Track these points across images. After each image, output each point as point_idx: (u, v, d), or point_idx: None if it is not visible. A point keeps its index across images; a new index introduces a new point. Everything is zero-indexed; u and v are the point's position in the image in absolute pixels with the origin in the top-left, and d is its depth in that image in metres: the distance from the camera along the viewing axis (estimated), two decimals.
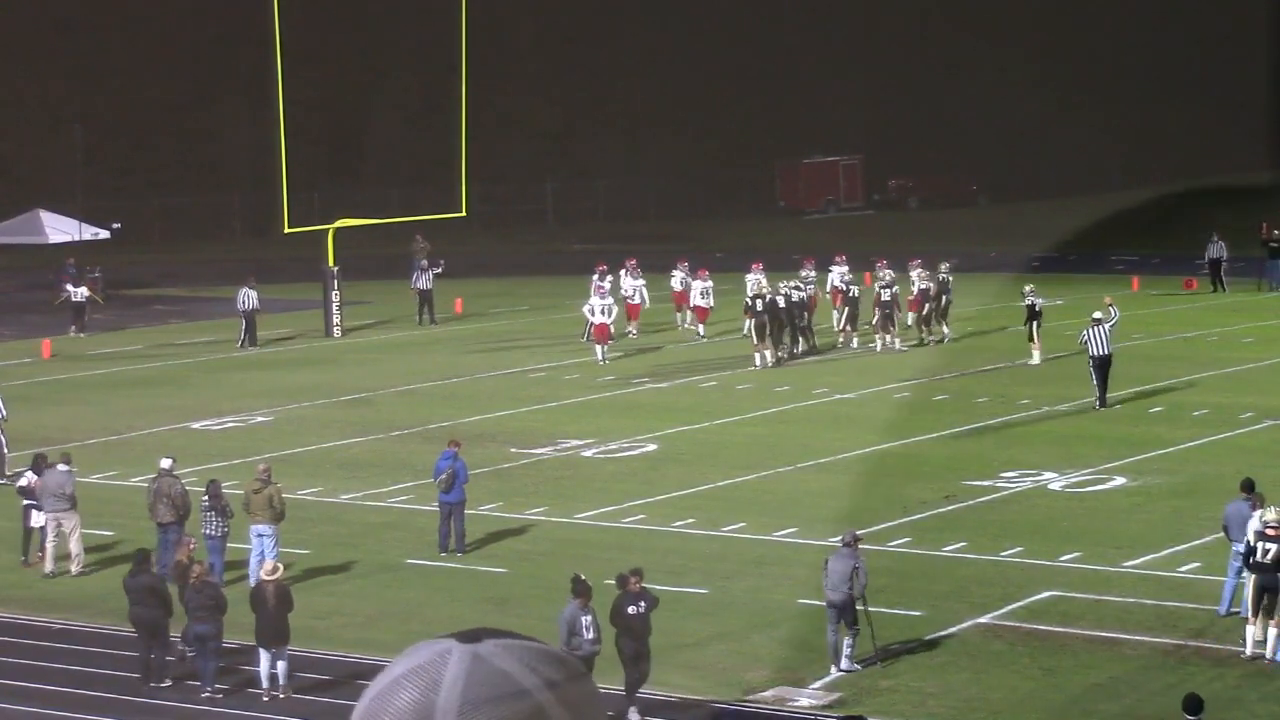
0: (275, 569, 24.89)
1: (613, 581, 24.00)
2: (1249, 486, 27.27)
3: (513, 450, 39.30)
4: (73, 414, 44.83)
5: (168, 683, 24.88)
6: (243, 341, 56.14)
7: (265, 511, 28.90)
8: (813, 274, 55.50)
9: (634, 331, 55.80)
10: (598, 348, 51.04)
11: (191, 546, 26.50)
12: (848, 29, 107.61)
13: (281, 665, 24.38)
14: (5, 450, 37.79)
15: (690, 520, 32.84)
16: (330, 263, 59.12)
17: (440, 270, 63.33)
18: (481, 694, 2.79)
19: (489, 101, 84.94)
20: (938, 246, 74.02)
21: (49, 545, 30.66)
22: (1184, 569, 28.74)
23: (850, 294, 53.29)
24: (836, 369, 49.40)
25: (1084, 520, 32.25)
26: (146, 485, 31.10)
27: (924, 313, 52.68)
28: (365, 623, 27.30)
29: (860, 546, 25.32)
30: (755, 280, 52.84)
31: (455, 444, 31.70)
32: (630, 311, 56.08)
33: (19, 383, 48.30)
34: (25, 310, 67.64)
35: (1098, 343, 42.25)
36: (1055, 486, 34.96)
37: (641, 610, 23.12)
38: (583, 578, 23.27)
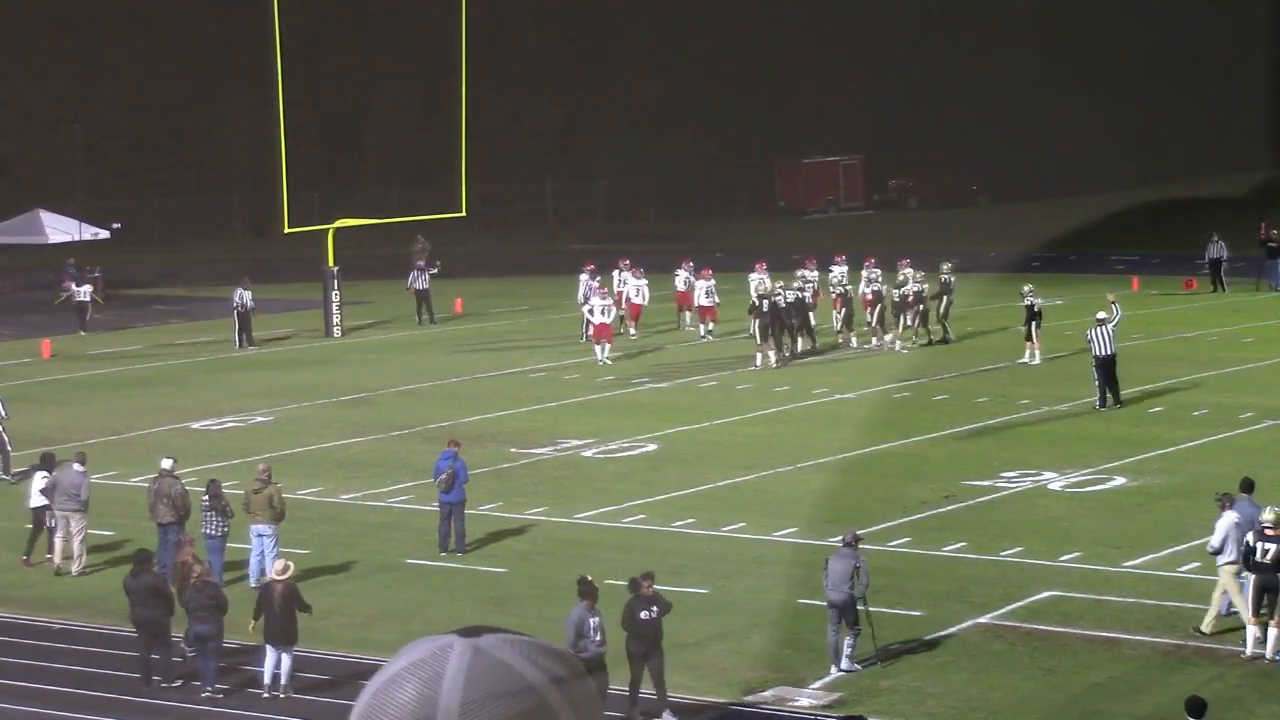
0: (286, 568, 24.89)
1: (615, 582, 23.98)
2: (1249, 486, 27.28)
3: (513, 450, 39.30)
4: (73, 414, 44.84)
5: (178, 683, 24.88)
6: (239, 342, 56.17)
7: (265, 511, 28.91)
8: (814, 274, 55.48)
9: (634, 332, 55.66)
10: (598, 348, 51.02)
11: (192, 545, 26.50)
12: (848, 29, 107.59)
13: (285, 665, 24.39)
14: (9, 449, 37.78)
15: (690, 520, 32.84)
16: (330, 263, 59.12)
17: (436, 271, 63.33)
18: (484, 688, 2.77)
19: (489, 101, 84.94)
20: (938, 246, 74.04)
21: (58, 543, 30.66)
22: (1184, 569, 28.73)
23: (848, 294, 53.32)
24: (836, 369, 49.40)
25: (1084, 520, 32.25)
26: (147, 485, 31.09)
27: (922, 313, 52.63)
28: (365, 623, 27.30)
29: (860, 546, 25.32)
30: (759, 280, 52.89)
31: (455, 444, 31.70)
32: (632, 311, 55.95)
33: (19, 383, 48.32)
34: (25, 310, 67.67)
35: (1101, 343, 42.24)
36: (1055, 486, 34.96)
37: (653, 615, 23.04)
38: (589, 579, 23.19)
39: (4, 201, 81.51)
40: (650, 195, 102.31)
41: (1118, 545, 30.44)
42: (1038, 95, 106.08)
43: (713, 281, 55.54)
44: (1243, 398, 43.30)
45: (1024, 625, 26.46)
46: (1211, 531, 26.06)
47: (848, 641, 24.49)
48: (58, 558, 30.65)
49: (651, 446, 39.65)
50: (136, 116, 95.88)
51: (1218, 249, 64.18)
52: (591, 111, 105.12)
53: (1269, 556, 24.67)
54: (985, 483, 35.20)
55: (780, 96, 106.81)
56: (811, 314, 52.34)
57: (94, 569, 30.66)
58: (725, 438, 40.45)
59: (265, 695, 24.36)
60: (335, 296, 58.75)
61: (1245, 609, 25.26)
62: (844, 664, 24.47)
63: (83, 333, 59.98)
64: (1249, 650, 24.68)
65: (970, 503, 33.77)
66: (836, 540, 26.29)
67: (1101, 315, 42.99)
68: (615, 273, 56.96)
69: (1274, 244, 64.32)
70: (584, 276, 56.34)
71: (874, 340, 52.71)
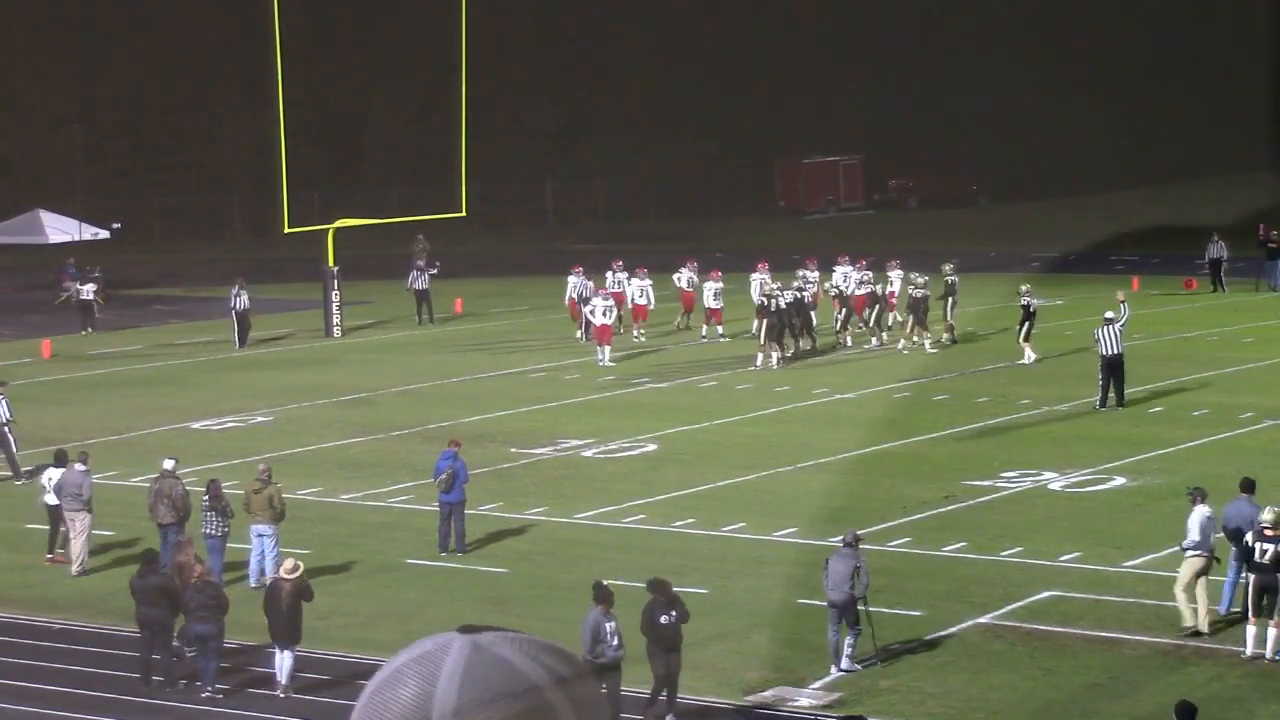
0: (296, 567, 24.90)
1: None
2: (1249, 486, 27.29)
3: (513, 450, 39.30)
4: (73, 414, 44.85)
5: (183, 683, 24.89)
6: (239, 342, 56.22)
7: (265, 512, 28.92)
8: (814, 274, 55.46)
9: (640, 335, 55.23)
10: (598, 348, 50.98)
11: (191, 546, 26.51)
12: (848, 29, 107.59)
13: (287, 664, 24.41)
14: (15, 450, 37.80)
15: (690, 520, 32.84)
16: (330, 263, 59.12)
17: (435, 271, 63.33)
18: (482, 686, 2.74)
19: (489, 101, 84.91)
20: (938, 246, 74.06)
21: (82, 543, 30.68)
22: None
23: (845, 294, 53.33)
24: (836, 369, 49.40)
25: (1084, 520, 32.25)
26: (148, 486, 31.10)
27: (921, 314, 52.63)
28: (365, 623, 27.30)
29: (861, 547, 25.31)
30: (762, 280, 52.91)
31: (455, 444, 31.70)
32: (637, 313, 55.59)
33: (19, 383, 48.22)
34: (25, 310, 67.69)
35: (1109, 342, 42.24)
36: (1055, 486, 34.96)
37: (673, 620, 22.95)
38: (605, 583, 23.09)
39: (4, 201, 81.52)
40: (650, 195, 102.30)
41: (1118, 545, 30.44)
42: (1038, 95, 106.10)
43: (721, 284, 55.39)
44: (1243, 398, 43.31)
45: (1024, 625, 26.46)
46: (1205, 530, 26.11)
47: (848, 641, 24.49)
48: (73, 560, 30.67)
49: (651, 446, 39.65)
50: (136, 116, 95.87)
51: (1218, 249, 64.20)
52: (591, 111, 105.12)
53: (1268, 557, 24.68)
54: (985, 483, 35.20)
55: (780, 96, 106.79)
56: (812, 314, 52.34)
57: (94, 569, 30.64)
58: (725, 438, 40.45)
59: (280, 693, 24.43)
60: (335, 296, 58.75)
61: (1184, 600, 25.62)
62: (844, 664, 24.48)
63: (90, 331, 60.07)
64: (1249, 650, 24.69)
65: (970, 503, 33.78)
66: (836, 540, 26.29)
67: (1109, 315, 43.00)
68: (609, 274, 56.80)
69: (1274, 245, 64.34)
70: (572, 278, 56.40)
71: (872, 340, 52.71)
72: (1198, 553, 25.86)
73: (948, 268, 53.70)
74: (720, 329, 55.04)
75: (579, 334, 55.50)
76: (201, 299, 68.98)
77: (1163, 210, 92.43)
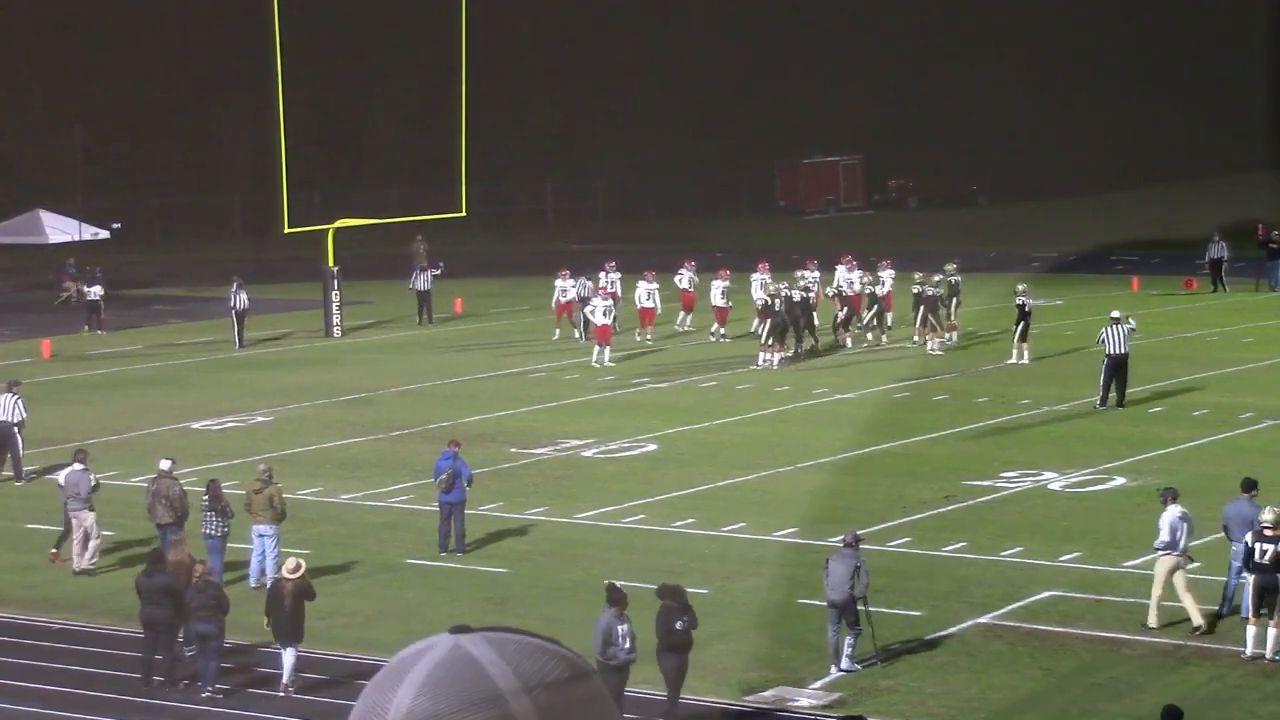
0: (298, 567, 24.91)
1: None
2: (1250, 486, 27.29)
3: (513, 450, 39.29)
4: (73, 414, 44.85)
5: (184, 683, 24.90)
6: (238, 342, 56.29)
7: (266, 512, 28.92)
8: (814, 274, 55.42)
9: (649, 337, 54.98)
10: (596, 349, 50.94)
11: (185, 545, 26.53)
12: (848, 29, 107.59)
13: (290, 661, 24.43)
14: (21, 452, 37.79)
15: (690, 520, 32.84)
16: (330, 263, 59.12)
17: (440, 272, 63.33)
18: (441, 692, 2.65)
19: (489, 101, 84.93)
20: (938, 246, 74.08)
21: (75, 544, 30.65)
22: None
23: (845, 294, 53.33)
24: (836, 369, 49.39)
25: (1084, 520, 32.25)
26: (145, 486, 31.10)
27: (935, 313, 52.61)
28: (365, 623, 27.30)
29: (861, 547, 25.31)
30: (763, 280, 52.90)
31: (455, 444, 31.70)
32: (644, 316, 55.35)
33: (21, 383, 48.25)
34: (25, 310, 67.69)
35: (1115, 342, 42.24)
36: (1055, 486, 34.96)
37: (686, 625, 22.86)
38: (618, 586, 22.99)
39: (4, 201, 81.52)
40: (650, 195, 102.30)
41: (1118, 545, 30.43)
42: (1038, 95, 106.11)
43: (729, 283, 55.29)
44: (1243, 398, 43.31)
45: (1024, 625, 26.45)
46: (1174, 529, 26.19)
47: (848, 641, 24.48)
48: (74, 559, 30.65)
49: (651, 446, 39.65)
50: (136, 116, 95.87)
51: (1219, 249, 64.20)
52: (591, 111, 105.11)
53: (1268, 557, 24.68)
54: (985, 483, 35.20)
55: (780, 96, 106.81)
56: (814, 314, 52.35)
57: (93, 569, 30.63)
58: (725, 438, 40.45)
59: (281, 693, 24.46)
60: (335, 296, 58.75)
61: (1155, 601, 25.80)
62: (844, 664, 24.47)
63: (100, 331, 60.10)
64: (1249, 650, 24.69)
65: (970, 503, 33.77)
66: (836, 540, 26.29)
67: (1116, 314, 43.06)
68: (602, 274, 56.69)
69: (1275, 245, 64.33)
70: (559, 281, 56.32)
71: (869, 338, 52.67)
72: (1168, 552, 25.99)
73: (950, 268, 53.67)
74: (723, 330, 54.93)
75: (559, 334, 55.57)
76: (202, 299, 68.98)
77: (1163, 209, 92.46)
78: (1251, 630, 24.80)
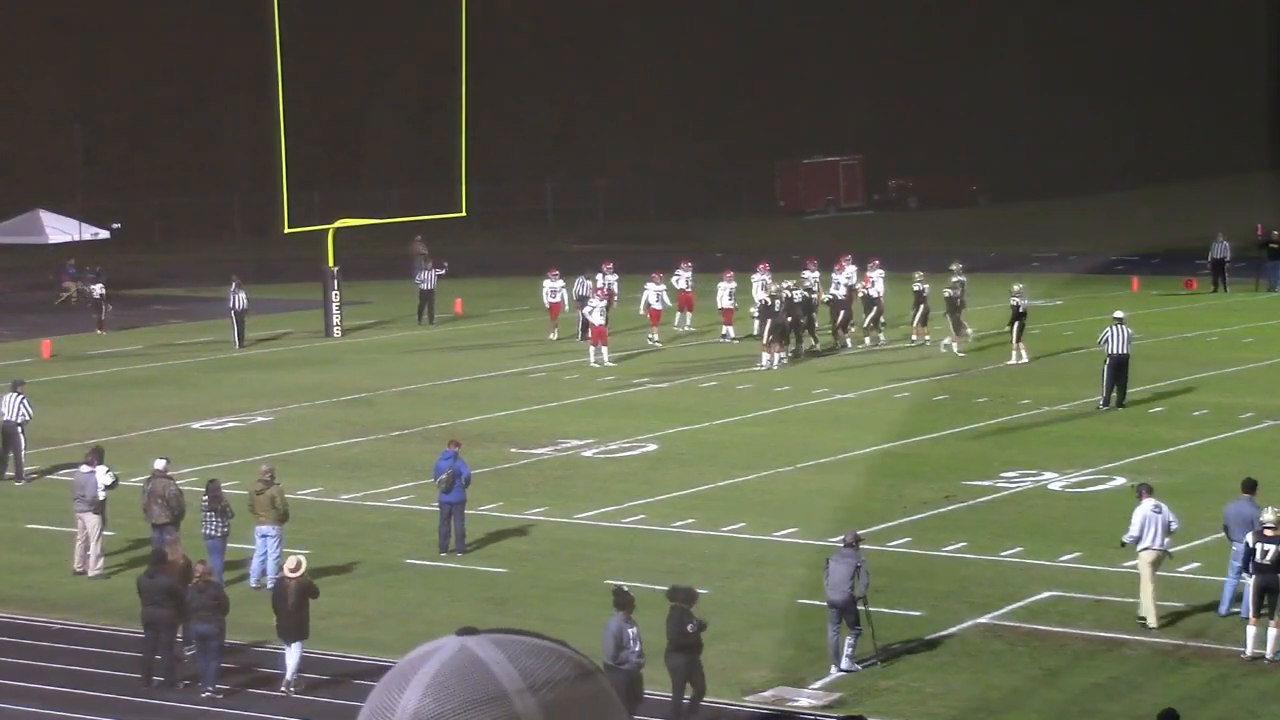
0: (298, 565, 24.93)
1: (613, 582, 23.90)
2: (1250, 486, 27.30)
3: (513, 450, 39.29)
4: (73, 414, 44.85)
5: (184, 684, 24.90)
6: (238, 342, 56.34)
7: (269, 512, 28.92)
8: (815, 275, 55.39)
9: (657, 338, 54.73)
10: (592, 349, 50.89)
11: (179, 544, 26.54)
12: (849, 29, 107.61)
13: (294, 659, 24.46)
14: (22, 453, 37.79)
15: (690, 520, 32.83)
16: (330, 263, 59.12)
17: (444, 272, 63.28)
18: (447, 692, 2.68)
19: (489, 101, 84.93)
20: (938, 246, 74.10)
21: (77, 546, 30.64)
22: (1184, 569, 28.72)
23: (837, 299, 53.34)
24: (836, 369, 49.39)
25: (1084, 520, 32.24)
26: (141, 486, 31.10)
27: (923, 314, 52.61)
28: (365, 623, 27.29)
29: (861, 547, 25.30)
30: (763, 281, 52.87)
31: (455, 444, 31.69)
32: (652, 316, 55.16)
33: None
34: (25, 310, 67.70)
35: (1118, 341, 42.26)
36: (1055, 486, 34.96)
37: (697, 628, 22.78)
38: (625, 589, 22.94)
39: (4, 201, 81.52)
40: (650, 195, 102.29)
41: (1118, 545, 30.38)
42: (1038, 95, 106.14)
43: (734, 284, 55.20)
44: (1243, 398, 43.31)
45: (1024, 625, 26.45)
46: (1144, 523, 26.31)
47: (848, 641, 24.48)
48: (75, 558, 30.65)
49: (651, 446, 39.65)
50: (136, 116, 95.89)
51: (1222, 249, 64.18)
52: (591, 111, 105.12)
53: (1269, 557, 24.68)
54: (985, 483, 35.20)
55: (780, 96, 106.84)
56: (814, 314, 52.35)
57: (101, 573, 30.61)
58: (725, 438, 40.45)
59: (282, 690, 24.47)
60: (335, 296, 58.76)
61: (1147, 599, 25.89)
62: (844, 664, 24.47)
63: (100, 331, 60.12)
64: (1249, 650, 24.68)
65: (970, 503, 33.78)
66: (837, 540, 26.29)
67: (1119, 314, 43.09)
68: (599, 275, 56.64)
69: (1275, 245, 64.33)
70: (547, 281, 56.21)
71: (866, 340, 52.67)
72: (1146, 546, 26.11)
73: (956, 268, 53.62)
74: (731, 330, 54.79)
75: (552, 335, 55.46)
76: (202, 299, 68.98)
77: (1165, 209, 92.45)
78: (1251, 630, 24.80)
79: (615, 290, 56.16)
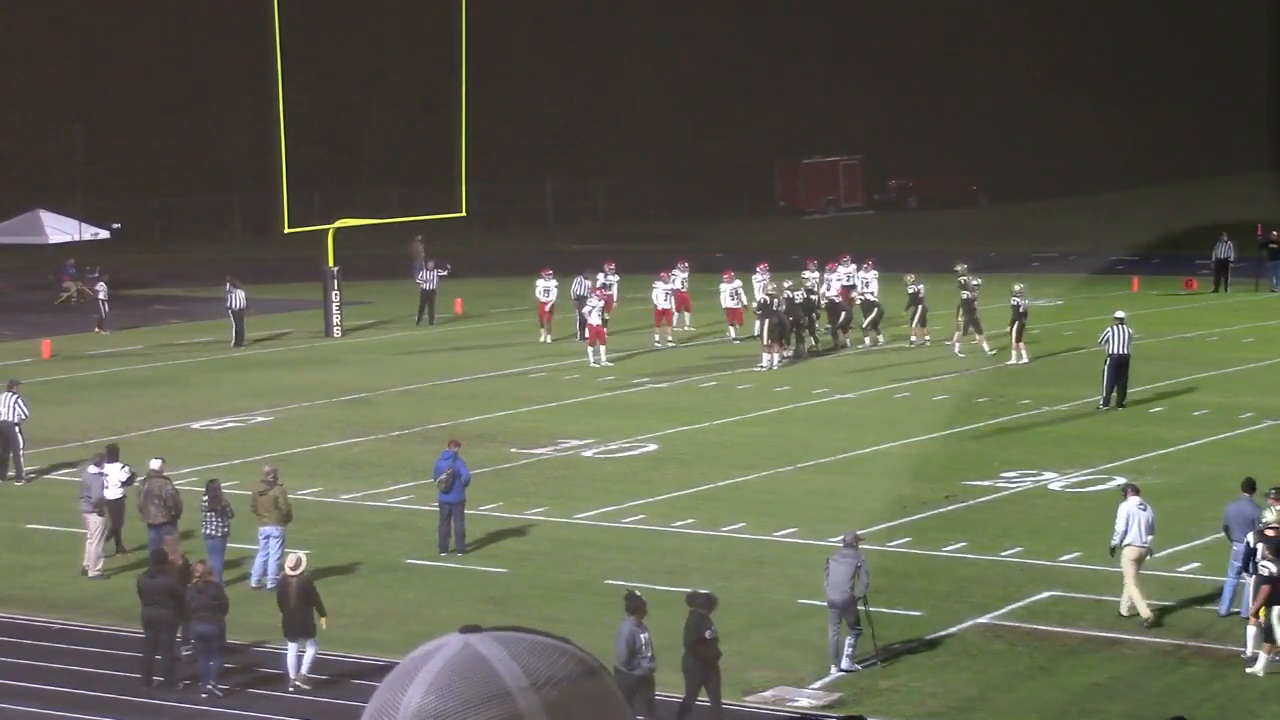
0: (298, 563, 24.94)
1: (614, 582, 23.90)
2: (1250, 486, 27.31)
3: (513, 450, 39.29)
4: (73, 414, 44.85)
5: (184, 683, 24.91)
6: (235, 341, 56.37)
7: (271, 513, 28.92)
8: (815, 275, 55.39)
9: (670, 339, 54.61)
10: (591, 350, 50.87)
11: (177, 544, 26.55)
12: (849, 29, 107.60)
13: (308, 656, 24.53)
14: (21, 453, 37.78)
15: (690, 520, 32.83)
16: (330, 263, 59.12)
17: (446, 273, 63.21)
18: (450, 690, 2.69)
19: (489, 101, 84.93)
20: (938, 247, 74.11)
21: (96, 545, 30.66)
22: (1184, 569, 28.73)
23: (834, 303, 53.34)
24: (836, 369, 49.39)
25: (1084, 520, 32.22)
26: (136, 486, 31.09)
27: (922, 315, 52.58)
28: (365, 623, 27.29)
29: (861, 547, 25.31)
30: (763, 281, 52.87)
31: (455, 444, 31.69)
32: (663, 316, 55.01)
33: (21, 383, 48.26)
34: (25, 310, 67.70)
35: (1118, 341, 42.26)
36: (1055, 486, 34.96)
37: (714, 634, 22.74)
38: (637, 594, 22.88)
39: (4, 201, 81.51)
40: (650, 195, 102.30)
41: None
42: (1038, 95, 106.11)
43: (738, 283, 55.18)
44: (1243, 398, 43.31)
45: (1024, 625, 26.45)
46: (1128, 519, 26.42)
47: (848, 641, 24.48)
48: (88, 560, 30.67)
49: (651, 446, 39.65)
50: (136, 116, 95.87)
51: (1225, 249, 64.16)
52: (591, 111, 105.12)
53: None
54: (985, 483, 35.20)
55: (780, 96, 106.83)
56: (815, 314, 52.35)
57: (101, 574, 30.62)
58: (725, 438, 40.45)
59: (289, 688, 24.48)
60: (335, 296, 58.75)
61: (1136, 595, 26.03)
62: (844, 664, 24.47)
63: (99, 331, 60.11)
64: (1249, 650, 24.68)
65: (970, 503, 33.77)
66: (836, 540, 26.29)
67: (1120, 314, 43.10)
68: (601, 275, 56.66)
69: (1275, 245, 64.34)
70: (540, 281, 56.18)
71: (865, 340, 52.69)
72: (1129, 543, 26.21)
73: (961, 268, 53.54)
74: (733, 330, 54.71)
75: (545, 338, 55.35)
76: (202, 299, 68.97)
77: (1165, 209, 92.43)
78: (1251, 630, 24.79)
79: (615, 293, 56.17)
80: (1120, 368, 42.43)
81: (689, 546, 31.14)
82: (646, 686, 21.89)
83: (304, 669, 24.59)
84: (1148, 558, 26.57)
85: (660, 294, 54.88)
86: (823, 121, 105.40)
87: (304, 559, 25.38)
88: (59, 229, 75.13)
